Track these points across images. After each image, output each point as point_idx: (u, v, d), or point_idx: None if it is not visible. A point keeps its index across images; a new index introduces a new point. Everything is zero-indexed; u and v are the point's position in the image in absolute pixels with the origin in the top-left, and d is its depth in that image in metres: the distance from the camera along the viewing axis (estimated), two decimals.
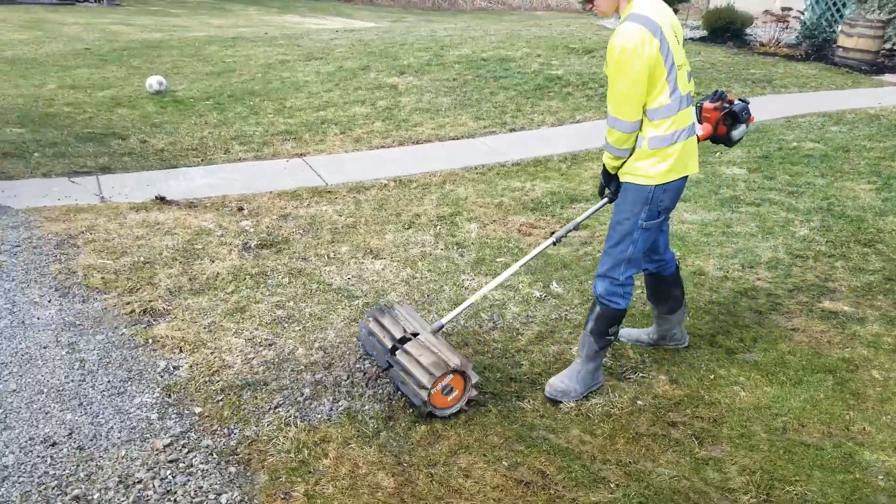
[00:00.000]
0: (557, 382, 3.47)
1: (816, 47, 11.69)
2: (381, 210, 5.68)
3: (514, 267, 3.61)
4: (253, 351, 3.66)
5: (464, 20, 19.52)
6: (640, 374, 3.64)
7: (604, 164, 3.40)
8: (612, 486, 2.90)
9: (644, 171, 3.22)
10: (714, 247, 5.05)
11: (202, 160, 6.84)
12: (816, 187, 6.13)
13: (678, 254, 4.91)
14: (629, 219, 3.29)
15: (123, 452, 2.91)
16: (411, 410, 3.26)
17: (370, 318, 3.52)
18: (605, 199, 3.52)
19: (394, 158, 7.02)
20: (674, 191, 3.29)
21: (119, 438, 2.99)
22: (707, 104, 3.49)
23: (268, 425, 3.11)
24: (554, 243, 3.59)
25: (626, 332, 3.94)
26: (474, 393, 3.28)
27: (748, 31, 12.53)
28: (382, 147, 7.39)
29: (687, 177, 3.32)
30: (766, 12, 12.27)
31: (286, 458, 2.92)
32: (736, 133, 3.52)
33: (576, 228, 3.67)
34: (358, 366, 3.59)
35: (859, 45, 10.92)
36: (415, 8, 27.86)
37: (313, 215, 5.50)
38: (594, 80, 9.72)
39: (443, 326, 3.50)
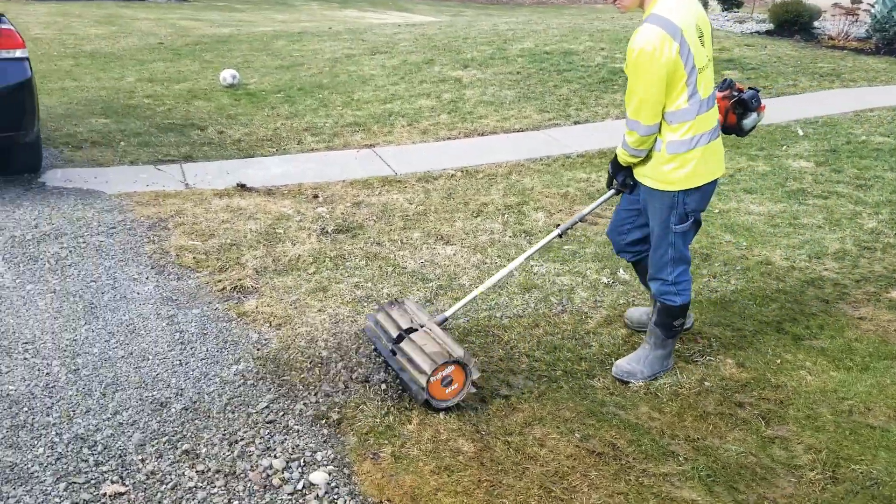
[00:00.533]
0: (624, 364, 3.61)
1: (887, 41, 11.45)
2: (450, 199, 5.87)
3: (519, 259, 3.70)
4: (336, 326, 3.90)
5: (523, 14, 19.60)
6: (708, 358, 3.76)
7: (616, 156, 3.44)
8: (680, 459, 3.04)
9: (663, 177, 3.24)
10: (781, 238, 5.11)
11: (277, 150, 7.14)
12: (886, 181, 6.10)
13: (744, 243, 4.99)
14: (661, 224, 3.35)
15: (225, 413, 3.16)
16: (410, 400, 3.29)
17: (379, 311, 3.58)
18: (612, 191, 3.58)
19: (460, 149, 7.21)
20: (700, 194, 3.28)
21: (220, 402, 3.24)
22: (716, 93, 3.43)
23: (354, 393, 3.34)
24: (560, 236, 3.68)
25: (630, 313, 4.02)
26: (473, 390, 3.28)
27: (816, 24, 12.33)
28: (448, 139, 7.59)
29: (716, 180, 3.33)
30: (835, 5, 12.07)
31: (373, 422, 3.13)
32: (747, 122, 3.46)
33: (581, 220, 3.73)
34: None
35: None
36: (472, 2, 27.98)
37: (385, 203, 5.72)
38: None
39: (447, 319, 3.54)
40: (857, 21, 12.35)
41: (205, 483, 2.76)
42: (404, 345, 3.28)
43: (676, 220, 3.30)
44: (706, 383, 3.55)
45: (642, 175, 3.36)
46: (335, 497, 2.72)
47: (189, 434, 3.03)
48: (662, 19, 3.01)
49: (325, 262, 4.65)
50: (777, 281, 4.53)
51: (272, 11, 19.88)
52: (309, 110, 8.54)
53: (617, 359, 3.68)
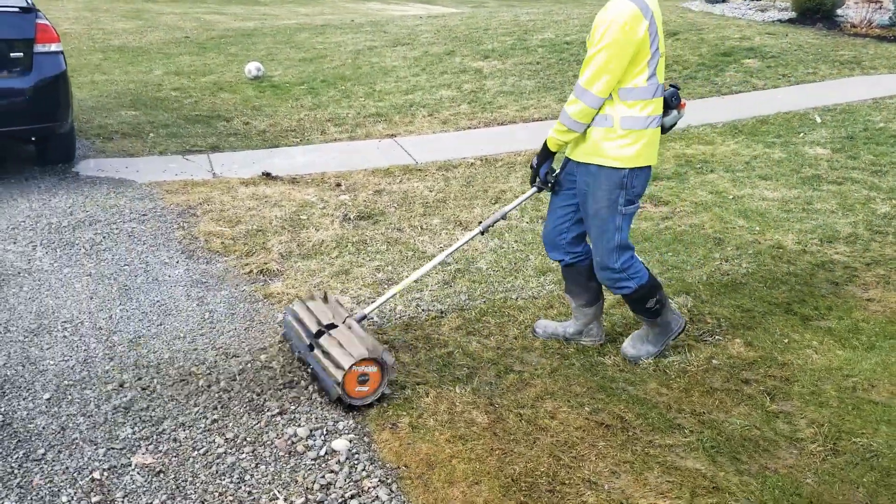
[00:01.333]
0: (628, 348, 3.68)
1: None
2: (469, 186, 6.01)
3: (440, 257, 3.69)
4: (358, 308, 4.06)
5: (546, 5, 19.61)
6: (717, 337, 3.87)
7: (545, 143, 3.35)
8: (686, 431, 3.17)
9: (615, 153, 3.18)
10: (794, 222, 5.19)
11: (301, 140, 7.32)
12: None
13: (756, 228, 5.08)
14: (608, 206, 3.26)
15: (252, 387, 3.34)
16: (327, 400, 3.27)
17: (292, 310, 3.57)
18: (534, 188, 3.52)
19: (480, 139, 7.35)
20: (644, 177, 3.27)
21: (247, 376, 3.43)
22: None
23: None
24: (482, 233, 3.64)
25: (543, 325, 3.86)
26: (388, 391, 3.25)
27: (839, 12, 12.28)
28: (469, 128, 7.73)
29: (651, 168, 3.32)
30: None
31: (392, 395, 3.29)
32: (668, 119, 3.39)
33: (503, 218, 3.69)
34: (448, 320, 3.95)
35: None
36: None
37: (405, 191, 5.88)
38: (678, 63, 9.79)
39: (366, 316, 3.50)
40: (880, 8, 12.27)
41: (233, 449, 2.94)
42: (323, 340, 3.26)
43: (624, 200, 3.26)
44: (714, 361, 3.67)
45: (587, 154, 3.25)
46: (356, 462, 2.88)
47: (219, 406, 3.21)
48: None
49: (347, 246, 4.82)
50: (788, 264, 4.62)
51: (295, 5, 20.09)
52: (332, 101, 8.72)
53: (627, 337, 3.81)
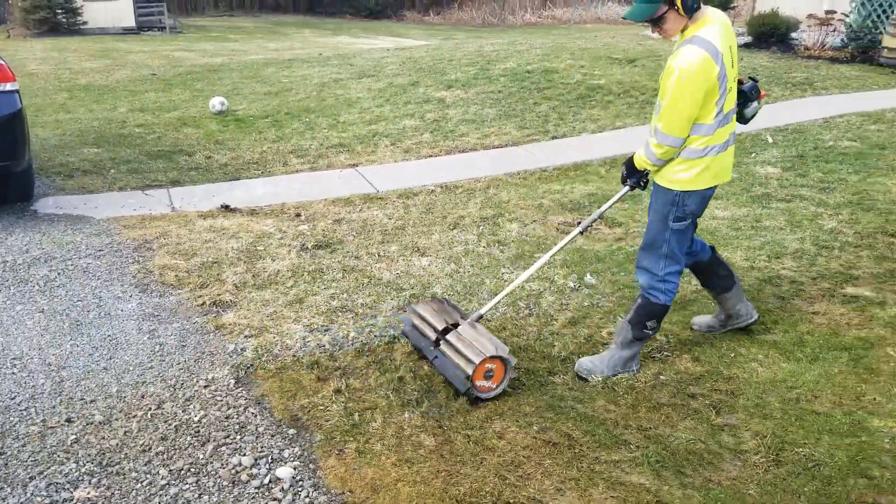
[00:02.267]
0: (586, 361, 3.77)
1: (862, 49, 11.70)
2: (429, 213, 6.07)
3: (546, 257, 3.93)
4: (311, 335, 4.08)
5: (512, 35, 19.92)
6: (665, 353, 3.93)
7: (632, 158, 3.65)
8: (632, 447, 3.20)
9: (672, 176, 3.49)
10: (743, 240, 5.29)
11: (262, 172, 7.35)
12: (849, 183, 6.30)
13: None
14: (660, 220, 3.58)
15: (198, 417, 3.34)
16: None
17: (412, 313, 3.83)
18: (627, 188, 3.80)
19: (441, 166, 7.43)
20: (700, 198, 3.52)
21: (195, 407, 3.42)
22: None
23: (323, 397, 3.51)
24: (581, 233, 3.91)
25: (699, 321, 4.15)
26: (514, 374, 3.57)
27: (794, 35, 12.60)
28: (430, 156, 7.81)
29: (715, 187, 3.56)
30: (811, 16, 12.34)
31: (340, 422, 3.30)
32: (748, 111, 3.72)
33: (600, 218, 3.98)
34: (401, 345, 3.97)
35: (885, 43, 10.90)
36: (465, 25, 28.43)
37: (365, 219, 5.92)
38: (635, 89, 9.98)
39: (482, 316, 3.79)
40: (834, 31, 12.61)
41: (177, 480, 2.93)
42: (444, 347, 3.52)
43: (674, 217, 3.54)
44: (661, 377, 3.72)
45: (654, 174, 3.62)
46: (299, 489, 2.88)
47: (164, 437, 3.20)
48: (707, 43, 3.20)
49: (303, 275, 4.83)
50: None
51: (265, 40, 20.25)
52: (295, 133, 8.77)
53: (579, 357, 3.85)
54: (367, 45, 18.78)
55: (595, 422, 3.37)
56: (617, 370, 3.73)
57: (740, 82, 3.71)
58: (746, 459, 3.14)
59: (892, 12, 12.14)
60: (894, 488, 2.95)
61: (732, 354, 3.90)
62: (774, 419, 3.39)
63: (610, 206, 3.94)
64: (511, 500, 2.87)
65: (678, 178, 3.47)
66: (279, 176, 7.24)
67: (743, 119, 3.76)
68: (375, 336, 4.08)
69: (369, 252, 5.25)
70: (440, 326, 3.64)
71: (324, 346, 3.97)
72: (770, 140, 7.66)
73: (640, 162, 3.60)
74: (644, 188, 3.77)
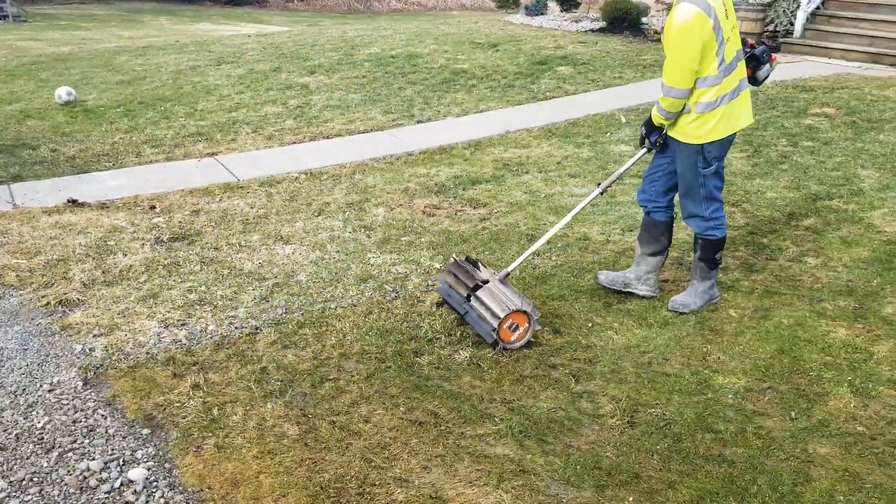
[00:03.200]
0: (679, 297, 4.17)
1: None
2: (293, 201, 5.93)
3: (567, 217, 4.21)
4: (166, 331, 3.90)
5: (378, 22, 19.80)
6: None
7: (650, 117, 3.95)
8: (496, 420, 3.26)
9: (690, 132, 3.82)
10: (599, 215, 5.50)
11: (114, 164, 6.96)
12: None
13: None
14: (690, 170, 3.91)
15: (42, 424, 3.12)
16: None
17: (447, 272, 4.08)
18: (644, 149, 4.09)
19: (305, 153, 7.28)
20: (721, 143, 3.85)
21: (38, 412, 3.19)
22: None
23: (180, 394, 3.36)
24: (601, 193, 4.22)
25: (605, 274, 4.35)
26: (538, 328, 3.88)
27: (644, 20, 13.18)
28: (294, 143, 7.64)
29: (735, 133, 3.87)
30: (658, 1, 12.95)
31: (198, 418, 3.18)
32: (761, 73, 4.02)
33: (620, 179, 4.35)
34: (263, 335, 3.86)
35: (743, 28, 11.65)
36: (330, 12, 27.97)
37: (225, 209, 5.72)
38: (497, 73, 10.15)
39: (508, 274, 4.04)
40: None
41: (17, 492, 2.72)
42: (473, 302, 3.77)
43: (703, 164, 3.88)
44: (524, 350, 3.80)
45: (672, 131, 3.92)
46: (153, 490, 2.75)
47: (3, 447, 2.97)
48: None
49: (157, 270, 4.61)
50: (593, 254, 4.88)
51: (118, 28, 19.16)
52: (149, 123, 8.36)
53: (448, 337, 3.88)
54: (228, 31, 18.14)
55: (461, 398, 3.41)
56: (706, 299, 4.14)
57: (752, 46, 4.03)
58: (603, 423, 3.27)
59: None
60: (737, 440, 3.15)
61: (590, 324, 4.04)
62: (629, 383, 3.54)
63: (628, 168, 4.23)
64: (377, 482, 2.86)
65: (698, 132, 3.80)
66: (132, 168, 6.87)
67: (756, 81, 4.04)
68: (236, 328, 3.96)
69: (229, 243, 5.08)
70: (471, 284, 3.85)
71: (180, 341, 3.81)
72: (623, 120, 7.98)
73: (656, 117, 3.91)
74: (661, 150, 4.04)
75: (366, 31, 14.00)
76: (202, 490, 2.77)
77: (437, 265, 4.75)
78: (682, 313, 4.10)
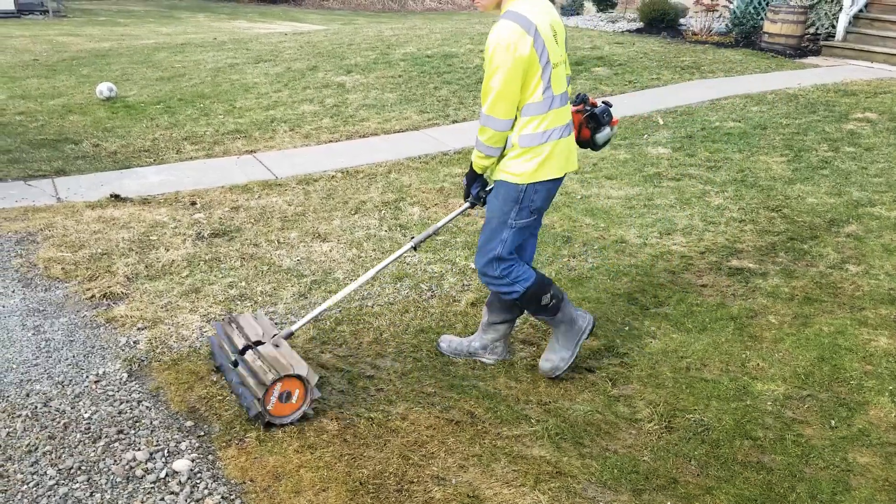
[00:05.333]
0: (544, 364, 3.57)
1: (745, 34, 12.27)
2: (329, 199, 5.99)
3: (370, 273, 3.58)
4: (208, 325, 3.97)
5: (412, 21, 19.87)
6: None
7: (471, 164, 3.36)
8: (532, 421, 3.28)
9: (514, 168, 3.20)
10: (636, 218, 5.48)
11: (155, 160, 7.08)
12: (733, 162, 6.61)
13: (602, 225, 5.32)
14: (499, 217, 3.30)
15: (88, 414, 3.20)
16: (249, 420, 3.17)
17: (218, 329, 3.53)
18: (467, 204, 3.50)
19: (341, 152, 7.34)
20: (545, 191, 3.27)
21: (85, 403, 3.27)
22: (569, 100, 3.34)
23: (222, 387, 3.42)
24: (413, 248, 3.59)
25: (448, 340, 3.82)
26: (318, 395, 3.20)
27: (682, 21, 13.08)
28: (330, 142, 7.70)
29: (563, 177, 3.32)
30: (697, 2, 12.84)
31: (240, 411, 3.23)
32: (600, 136, 3.51)
33: (435, 234, 3.69)
34: (301, 331, 3.92)
35: (783, 31, 11.52)
36: (364, 10, 28.14)
37: (264, 206, 5.80)
38: None
39: (292, 333, 3.44)
40: (719, 16, 13.16)
41: (66, 480, 2.80)
42: (248, 356, 3.19)
43: (517, 215, 3.28)
44: None
45: (496, 171, 3.31)
46: (197, 481, 2.81)
47: (52, 436, 3.05)
48: (517, 15, 3.05)
49: (199, 265, 4.69)
50: (630, 257, 4.87)
51: (156, 24, 19.45)
52: (189, 120, 8.48)
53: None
54: (264, 29, 18.32)
55: (497, 399, 3.43)
56: (571, 341, 3.54)
57: (593, 105, 3.52)
58: (641, 427, 3.27)
59: None
60: (776, 447, 3.14)
61: (627, 328, 4.04)
62: (666, 388, 3.53)
63: (447, 223, 3.67)
64: (415, 479, 2.89)
65: (521, 169, 3.19)
66: (173, 164, 6.99)
67: (594, 145, 3.53)
68: (276, 323, 4.01)
69: (268, 239, 5.15)
70: (241, 345, 3.28)
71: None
72: (661, 122, 7.94)
73: (475, 160, 3.31)
74: (484, 203, 3.43)
75: (401, 31, 14.06)
76: (244, 482, 2.82)
77: (473, 265, 4.76)
78: (556, 377, 3.55)
